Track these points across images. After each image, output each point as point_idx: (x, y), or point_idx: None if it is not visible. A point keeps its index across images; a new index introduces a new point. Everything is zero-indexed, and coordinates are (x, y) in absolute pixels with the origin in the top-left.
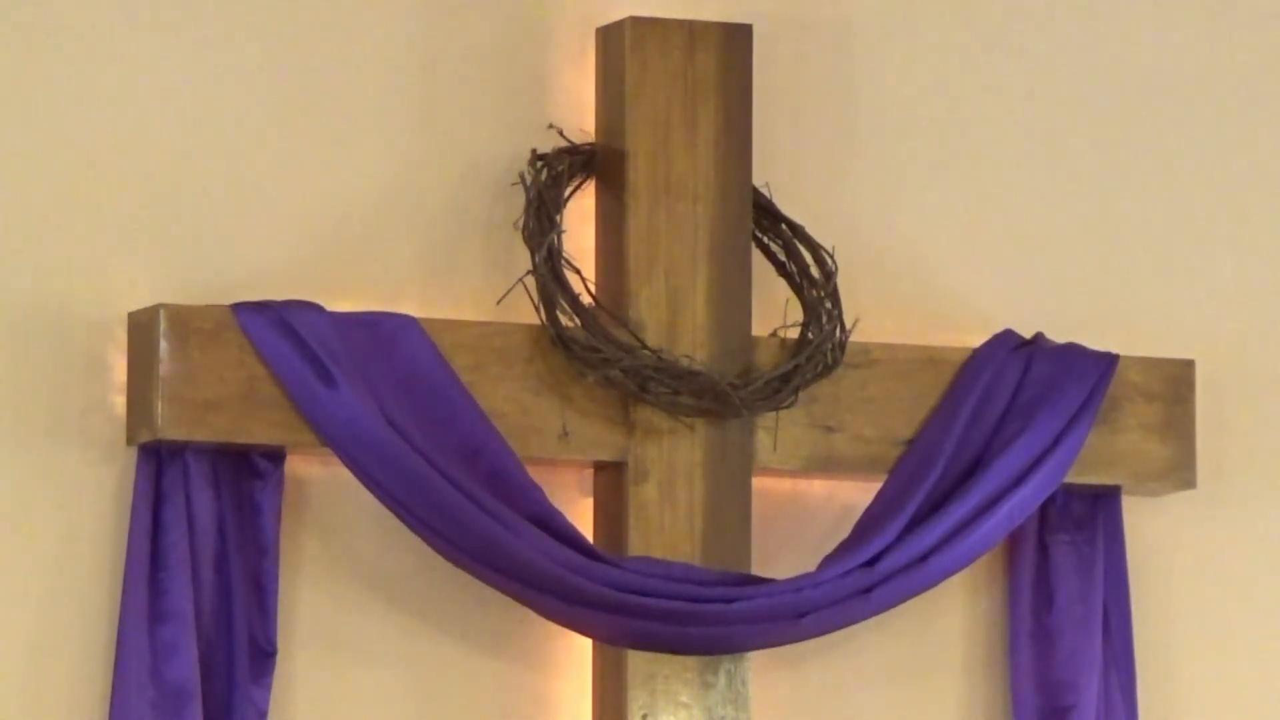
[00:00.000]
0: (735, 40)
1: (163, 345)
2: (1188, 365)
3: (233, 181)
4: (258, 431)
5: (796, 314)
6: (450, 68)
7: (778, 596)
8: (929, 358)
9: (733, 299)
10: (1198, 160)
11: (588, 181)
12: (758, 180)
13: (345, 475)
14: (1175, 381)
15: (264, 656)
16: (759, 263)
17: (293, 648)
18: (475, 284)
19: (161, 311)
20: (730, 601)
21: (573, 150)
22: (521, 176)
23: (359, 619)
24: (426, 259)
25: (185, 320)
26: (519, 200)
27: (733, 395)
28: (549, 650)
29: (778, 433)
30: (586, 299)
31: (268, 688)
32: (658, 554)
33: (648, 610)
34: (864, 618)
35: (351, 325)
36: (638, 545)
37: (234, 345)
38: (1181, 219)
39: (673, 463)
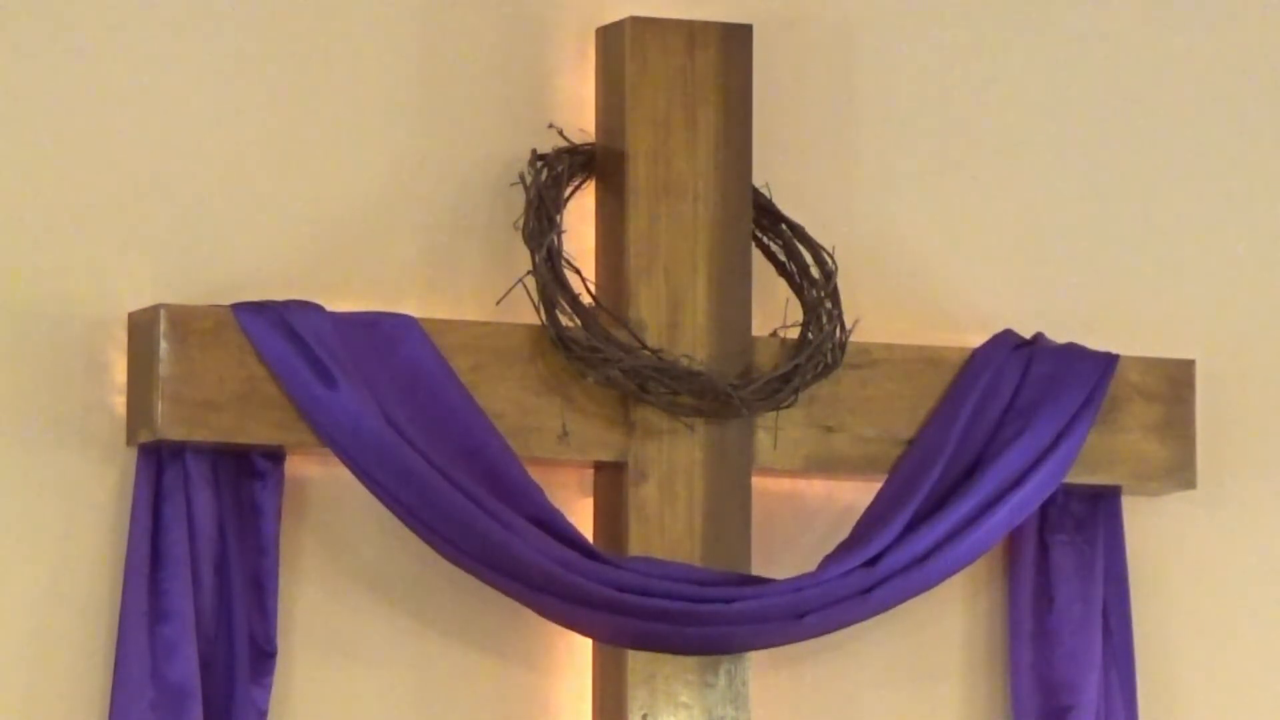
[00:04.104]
0: (735, 40)
1: (163, 345)
2: (1188, 365)
3: (233, 181)
4: (258, 431)
5: (796, 314)
6: (450, 68)
7: (778, 596)
8: (929, 358)
9: (733, 299)
10: (1198, 160)
11: (588, 181)
12: (758, 180)
13: (345, 475)
14: (1175, 381)
15: (264, 656)
16: (759, 263)
17: (293, 648)
18: (475, 284)
19: (161, 311)
20: (730, 601)
21: (573, 150)
22: (521, 176)
23: (359, 619)
24: (426, 259)
25: (185, 320)
26: (519, 200)
27: (733, 395)
28: (549, 650)
29: (778, 433)
30: (586, 299)
31: (268, 688)
32: (658, 554)
33: (648, 610)
34: (864, 618)
35: (351, 325)
36: (638, 545)
37: (234, 345)
38: (1182, 219)
39: (673, 463)
